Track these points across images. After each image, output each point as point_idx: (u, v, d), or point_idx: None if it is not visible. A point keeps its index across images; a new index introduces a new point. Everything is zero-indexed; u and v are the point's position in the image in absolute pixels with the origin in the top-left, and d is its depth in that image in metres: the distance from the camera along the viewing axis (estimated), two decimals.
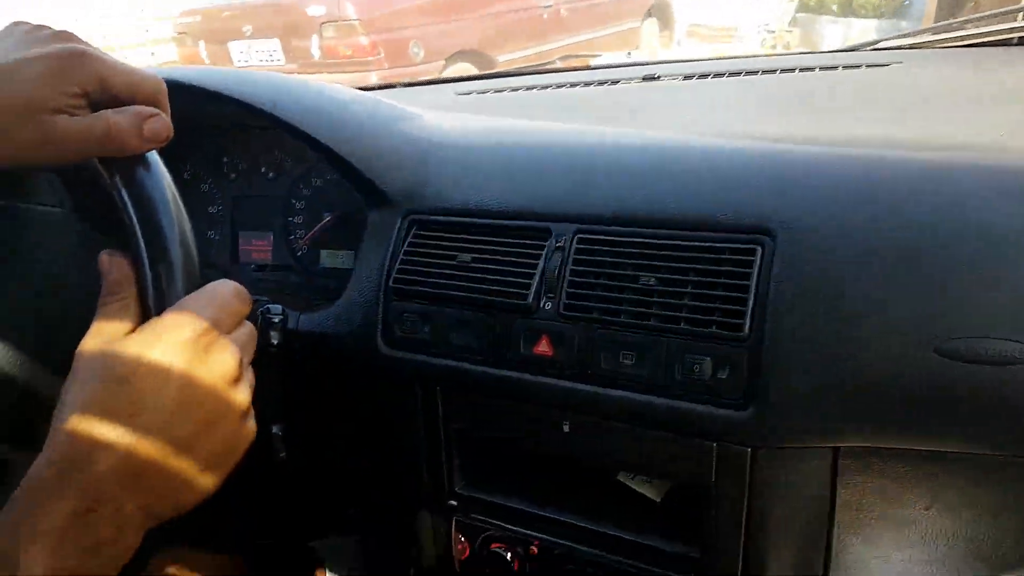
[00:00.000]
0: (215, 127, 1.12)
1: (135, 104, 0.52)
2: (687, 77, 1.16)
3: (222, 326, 0.52)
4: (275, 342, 0.68)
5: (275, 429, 0.83)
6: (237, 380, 0.52)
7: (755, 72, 1.11)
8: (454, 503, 0.85)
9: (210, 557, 1.10)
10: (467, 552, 0.84)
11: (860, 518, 0.70)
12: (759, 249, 0.65)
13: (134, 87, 0.52)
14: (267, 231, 1.10)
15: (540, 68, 1.38)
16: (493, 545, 0.82)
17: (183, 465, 0.49)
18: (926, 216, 0.62)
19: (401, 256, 0.82)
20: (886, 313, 0.60)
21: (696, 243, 0.68)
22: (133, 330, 0.51)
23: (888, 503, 0.68)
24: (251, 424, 0.54)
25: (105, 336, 0.50)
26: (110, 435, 0.47)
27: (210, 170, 1.14)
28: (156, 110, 0.53)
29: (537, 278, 0.74)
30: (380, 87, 1.45)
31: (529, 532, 0.80)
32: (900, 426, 0.62)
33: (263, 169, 1.10)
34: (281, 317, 0.69)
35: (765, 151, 0.73)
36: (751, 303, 0.64)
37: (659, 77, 1.19)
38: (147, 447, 0.47)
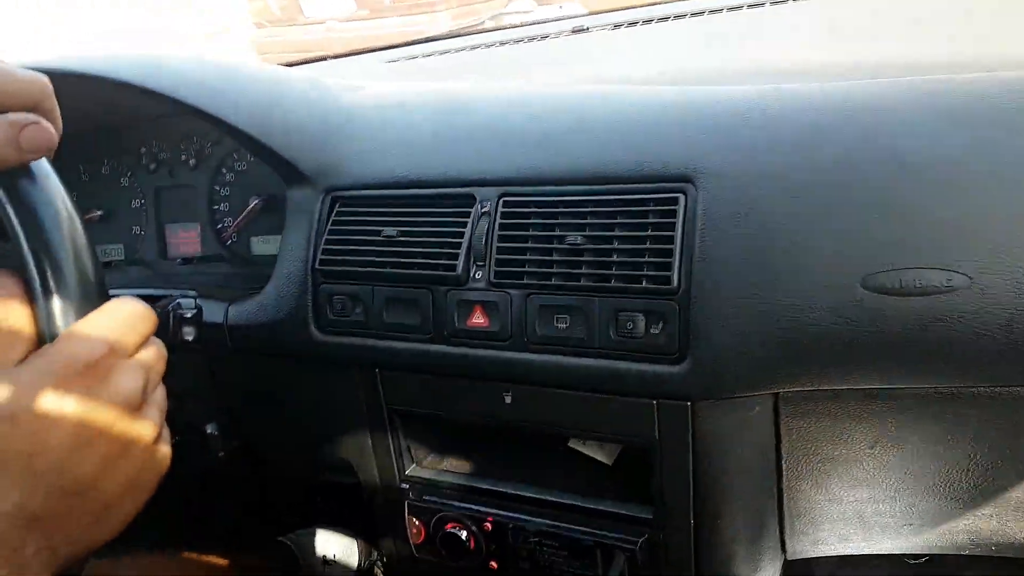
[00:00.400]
0: (131, 118, 1.07)
1: (11, 112, 0.47)
2: (616, 26, 1.13)
3: (122, 349, 0.47)
4: (189, 338, 0.64)
5: (209, 429, 0.80)
6: (140, 407, 0.48)
7: (683, 16, 1.08)
8: (404, 486, 0.83)
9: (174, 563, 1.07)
10: (423, 535, 0.82)
11: (807, 462, 0.69)
12: (682, 198, 0.63)
13: (8, 94, 0.47)
14: (194, 222, 1.06)
15: (471, 29, 1.33)
16: (448, 526, 0.80)
17: (87, 505, 0.45)
18: (844, 150, 0.60)
19: (325, 235, 0.79)
20: (811, 252, 0.58)
21: (620, 196, 0.65)
22: (24, 359, 0.46)
23: (834, 444, 0.67)
24: (163, 451, 0.50)
25: None
26: (3, 480, 0.42)
27: (130, 163, 1.09)
28: (34, 117, 0.46)
29: (465, 247, 0.71)
30: (307, 61, 1.39)
31: (482, 508, 0.78)
32: (835, 367, 0.61)
33: (183, 157, 1.06)
34: (194, 311, 0.65)
35: (682, 97, 0.71)
36: (678, 254, 0.62)
37: (588, 29, 1.15)
38: (45, 489, 0.43)
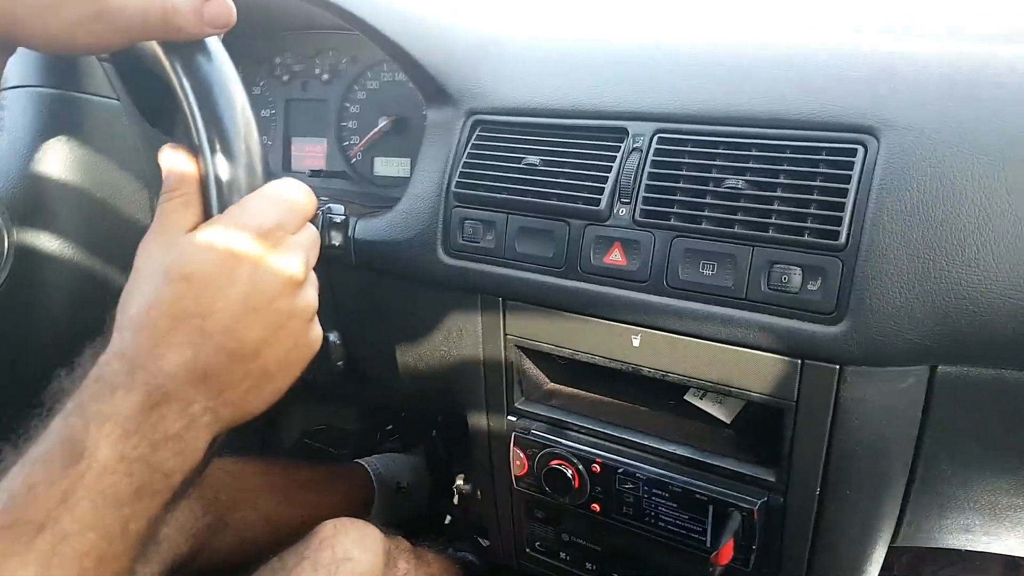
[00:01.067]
0: (269, 28, 1.08)
1: None
2: None
3: (287, 226, 0.49)
4: (336, 243, 0.65)
5: (332, 337, 0.81)
6: (302, 283, 0.49)
7: None
8: (513, 418, 0.83)
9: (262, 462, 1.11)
10: (525, 468, 0.82)
11: (952, 443, 0.65)
12: (861, 150, 0.59)
13: None
14: (321, 137, 1.07)
15: None
16: (553, 462, 0.79)
17: (249, 368, 0.47)
18: None
19: (464, 159, 0.78)
20: (999, 224, 0.54)
21: (790, 143, 0.62)
22: (196, 227, 0.48)
23: (985, 427, 0.63)
24: (317, 330, 0.52)
25: (167, 233, 0.47)
26: (177, 334, 0.45)
27: (263, 72, 1.10)
28: None
29: (611, 182, 0.69)
30: None
31: (591, 450, 0.77)
32: (1005, 349, 0.57)
33: (317, 71, 1.06)
34: (343, 217, 0.66)
35: (868, 47, 0.66)
36: (849, 209, 0.58)
37: None
38: (214, 349, 0.45)
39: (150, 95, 0.88)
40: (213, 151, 0.48)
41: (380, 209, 0.85)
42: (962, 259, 0.55)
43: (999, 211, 0.55)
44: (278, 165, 1.10)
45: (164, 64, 0.49)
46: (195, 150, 0.49)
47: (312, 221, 0.64)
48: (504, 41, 0.82)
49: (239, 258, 0.46)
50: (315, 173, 1.02)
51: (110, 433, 0.42)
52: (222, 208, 0.48)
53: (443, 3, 0.89)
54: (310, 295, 0.51)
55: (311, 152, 1.08)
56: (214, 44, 0.50)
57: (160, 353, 0.44)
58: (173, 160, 0.49)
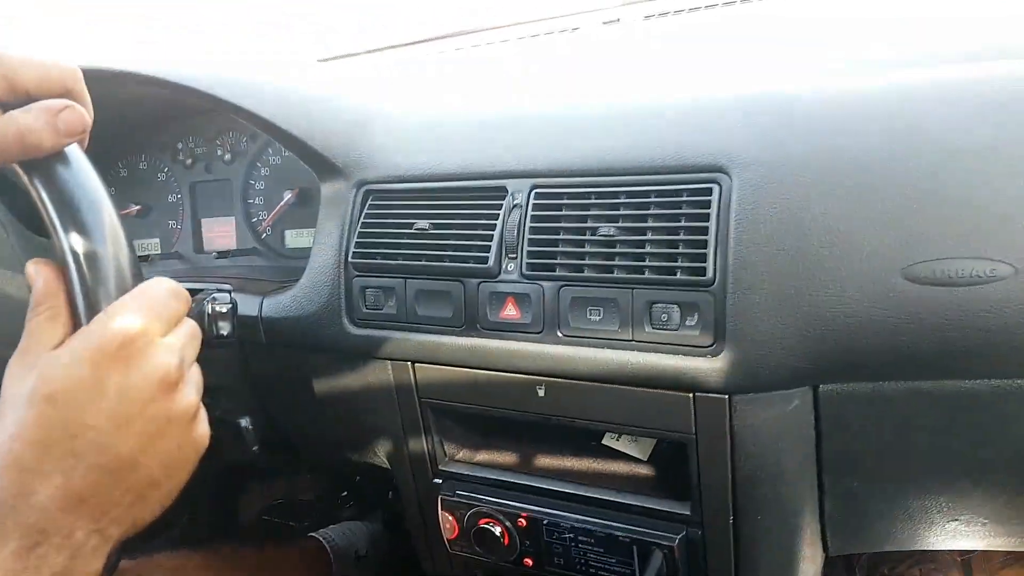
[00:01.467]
0: (167, 115, 1.08)
1: (48, 99, 0.48)
2: (647, 17, 1.11)
3: (155, 329, 0.48)
4: (224, 332, 0.65)
5: (243, 423, 0.80)
6: (176, 384, 0.48)
7: (714, 5, 1.06)
8: (438, 481, 0.83)
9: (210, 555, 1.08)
10: (456, 531, 0.82)
11: (849, 456, 0.67)
12: (716, 187, 0.61)
13: (44, 81, 0.48)
14: (229, 216, 1.07)
15: (495, 25, 1.32)
16: (481, 521, 0.79)
17: (130, 482, 0.46)
18: (883, 140, 0.58)
19: (359, 228, 0.79)
20: (849, 243, 0.56)
21: (653, 187, 0.64)
22: (62, 343, 0.47)
23: (876, 437, 0.65)
24: (201, 428, 0.51)
25: (31, 352, 0.46)
26: (45, 462, 0.43)
27: (167, 158, 1.11)
28: (67, 102, 0.48)
29: (497, 239, 0.71)
30: (332, 59, 1.40)
31: (516, 504, 0.78)
32: (874, 360, 0.59)
33: (219, 152, 1.07)
34: (229, 306, 0.66)
35: (715, 89, 0.69)
36: (713, 245, 0.60)
37: (619, 20, 1.13)
38: (87, 470, 0.44)
39: (25, 202, 0.88)
40: (77, 260, 0.48)
41: (288, 283, 0.86)
42: (819, 282, 0.57)
43: (843, 234, 0.57)
44: (189, 247, 1.09)
45: (24, 179, 0.49)
46: (61, 261, 0.49)
47: (197, 308, 0.64)
48: (386, 111, 0.84)
49: (106, 370, 0.45)
50: (222, 254, 1.02)
51: None
52: (88, 318, 0.48)
53: (327, 78, 0.91)
54: (188, 395, 0.49)
55: (221, 232, 1.08)
56: (74, 152, 0.50)
57: (30, 488, 0.42)
58: (38, 273, 0.49)
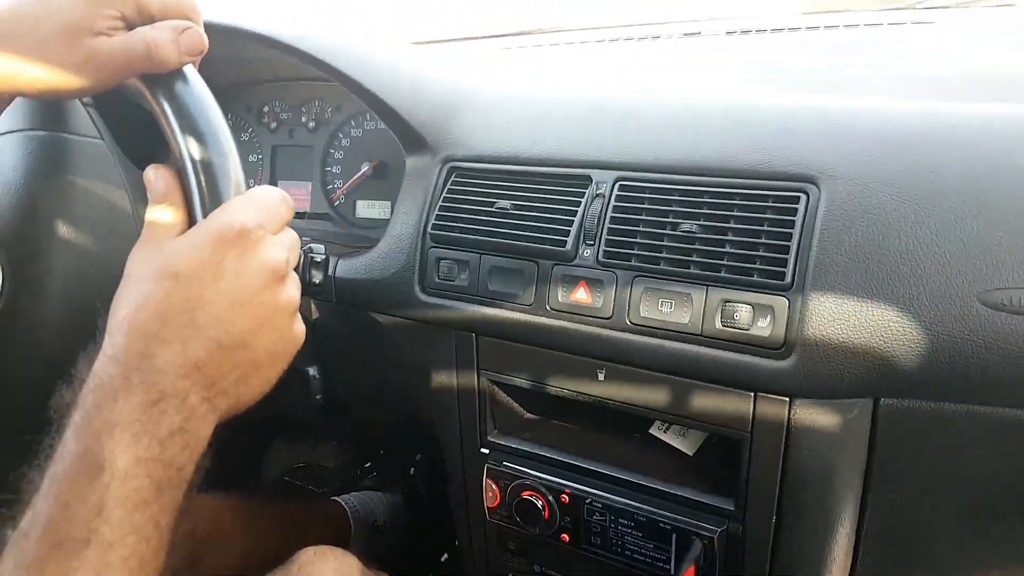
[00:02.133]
0: (258, 78, 1.13)
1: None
2: (729, 33, 1.14)
3: (268, 226, 0.52)
4: (317, 281, 0.69)
5: (311, 371, 0.84)
6: (284, 278, 0.53)
7: (797, 29, 1.09)
8: (486, 451, 0.86)
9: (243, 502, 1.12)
10: (498, 500, 0.85)
11: (898, 475, 0.69)
12: (803, 197, 0.64)
13: (166, 5, 0.53)
14: (306, 180, 1.11)
15: (583, 26, 1.36)
16: (524, 493, 0.82)
17: (239, 359, 0.50)
18: (971, 165, 0.60)
19: (440, 203, 0.82)
20: (929, 262, 0.59)
21: (739, 190, 0.67)
22: (182, 232, 0.51)
23: (929, 461, 0.67)
24: (299, 325, 0.55)
25: (155, 238, 0.51)
26: (166, 330, 0.47)
27: (251, 120, 1.15)
28: (189, 23, 0.53)
29: (576, 225, 0.74)
30: (429, 42, 1.44)
31: (561, 481, 0.81)
32: (940, 381, 0.61)
33: (303, 119, 1.11)
34: (324, 257, 0.70)
35: (808, 104, 0.72)
36: (794, 251, 0.63)
37: (700, 33, 1.16)
38: (204, 341, 0.48)
39: (131, 134, 0.93)
40: (195, 165, 0.52)
41: (361, 249, 0.89)
42: (895, 298, 0.60)
43: (927, 254, 0.59)
44: None
45: (146, 95, 0.53)
46: (178, 167, 0.52)
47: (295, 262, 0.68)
48: (477, 94, 0.88)
49: (224, 254, 0.49)
50: (299, 215, 1.06)
51: (121, 439, 0.45)
52: (205, 213, 0.51)
53: (422, 58, 0.95)
54: (292, 291, 0.53)
55: (296, 195, 1.12)
56: (192, 72, 0.54)
57: (152, 352, 0.47)
58: (158, 176, 0.53)
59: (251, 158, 1.15)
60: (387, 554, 1.28)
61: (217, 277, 0.49)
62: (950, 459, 0.66)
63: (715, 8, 1.25)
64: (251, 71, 1.09)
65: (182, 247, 0.49)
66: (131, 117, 0.90)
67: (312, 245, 0.69)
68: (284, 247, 0.53)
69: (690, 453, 0.80)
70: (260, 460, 1.59)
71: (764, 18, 1.21)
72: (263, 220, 0.51)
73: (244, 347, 0.50)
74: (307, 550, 0.82)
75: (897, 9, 1.19)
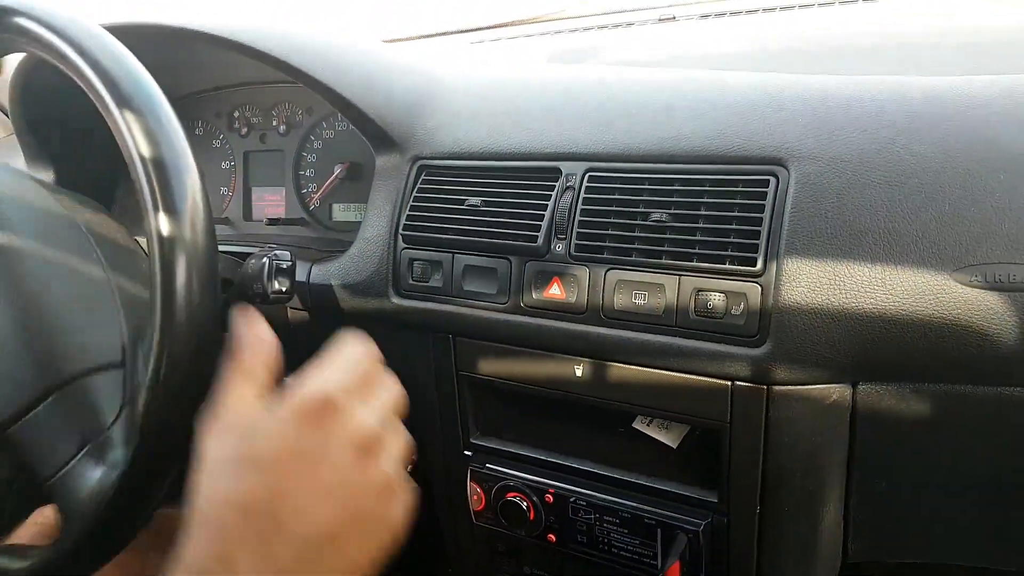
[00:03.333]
0: (226, 83, 1.11)
1: None
2: (703, 16, 1.12)
3: (354, 392, 0.47)
4: (283, 289, 0.67)
5: (286, 380, 0.83)
6: (372, 450, 0.46)
7: (772, 9, 1.07)
8: (468, 453, 0.85)
9: None
10: (483, 503, 0.84)
11: (882, 459, 0.68)
12: (772, 180, 0.62)
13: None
14: (279, 185, 1.10)
15: (555, 16, 1.34)
16: (508, 495, 0.81)
17: (329, 558, 0.44)
18: (943, 141, 0.59)
19: (411, 202, 0.81)
20: (902, 241, 0.57)
21: (708, 176, 0.65)
22: (262, 400, 0.47)
23: (913, 443, 0.66)
24: (397, 506, 0.48)
25: (235, 412, 0.46)
26: (248, 530, 0.42)
27: (222, 126, 1.14)
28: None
29: (547, 219, 0.72)
30: (399, 40, 1.42)
31: (544, 480, 0.79)
32: (919, 361, 0.60)
33: (274, 123, 1.09)
34: (289, 263, 0.68)
35: (776, 82, 0.70)
36: (765, 236, 0.61)
37: (675, 18, 1.14)
38: (288, 540, 0.42)
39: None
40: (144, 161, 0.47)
41: (335, 254, 0.88)
42: (869, 279, 0.58)
43: (900, 232, 0.58)
44: (239, 214, 1.12)
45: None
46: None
47: (258, 270, 0.67)
48: (444, 89, 0.86)
49: (306, 432, 0.44)
50: (272, 222, 1.05)
51: None
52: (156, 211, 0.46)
53: (389, 55, 0.93)
54: (387, 465, 0.47)
55: (270, 201, 1.11)
56: None
57: (229, 555, 0.41)
58: (248, 322, 0.50)
59: (223, 165, 1.13)
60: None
61: (299, 459, 0.43)
62: (933, 442, 0.65)
63: None
64: (217, 76, 1.08)
65: (264, 428, 0.45)
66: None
67: (278, 252, 0.68)
68: (375, 413, 0.48)
69: (673, 446, 0.79)
70: None
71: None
72: (349, 384, 0.47)
73: (333, 543, 0.43)
74: None
75: None
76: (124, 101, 0.47)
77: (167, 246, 0.46)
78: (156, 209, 0.46)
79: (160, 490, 0.51)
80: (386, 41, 1.30)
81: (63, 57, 0.49)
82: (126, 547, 0.51)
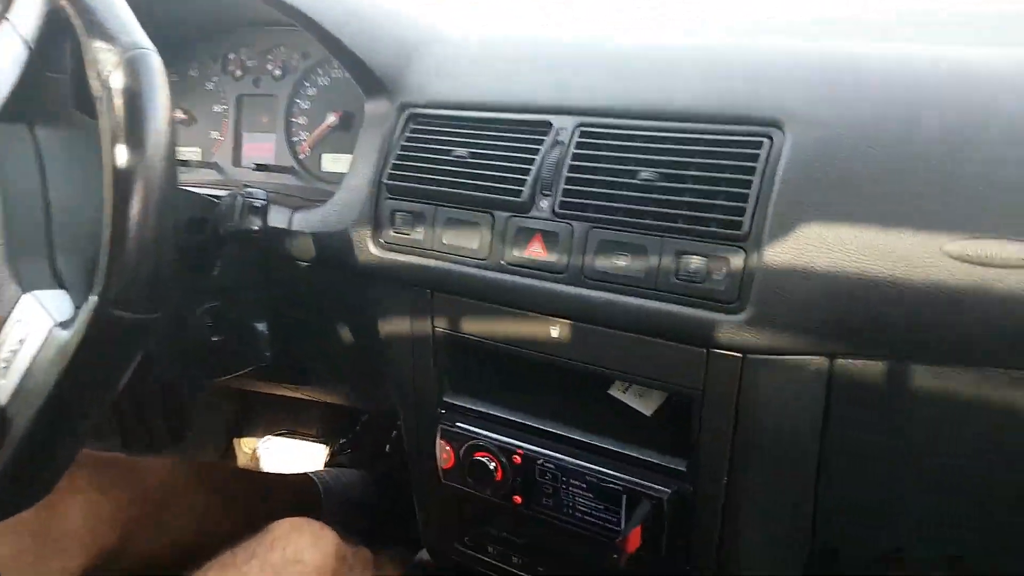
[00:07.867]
0: (223, 25, 1.09)
1: None
2: None
3: None
4: (255, 227, 0.66)
5: (260, 327, 0.81)
6: None
7: None
8: (441, 411, 0.83)
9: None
10: (452, 460, 0.82)
11: (856, 440, 0.66)
12: (766, 142, 0.61)
13: None
14: (271, 133, 1.08)
15: None
16: (477, 454, 0.80)
17: None
18: (941, 111, 0.57)
19: (397, 151, 0.79)
20: (895, 212, 0.56)
21: (702, 135, 0.63)
22: None
23: (888, 424, 0.64)
24: None
25: None
26: None
27: (216, 68, 1.12)
28: None
29: (533, 174, 0.71)
30: None
31: (513, 442, 0.78)
32: (902, 334, 0.58)
33: (269, 67, 1.07)
34: (263, 202, 0.67)
35: (779, 47, 0.68)
36: (753, 200, 0.60)
37: None
38: None
39: None
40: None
41: (319, 203, 0.86)
42: (856, 250, 0.57)
43: (891, 205, 0.56)
44: (228, 159, 1.10)
45: None
46: None
47: (231, 206, 0.65)
48: (438, 37, 0.84)
49: None
50: (261, 167, 1.03)
51: None
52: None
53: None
54: None
55: (260, 147, 1.09)
56: None
57: None
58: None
59: (216, 108, 1.11)
60: (361, 530, 1.26)
61: None
62: (904, 422, 0.64)
63: None
64: (214, 16, 1.06)
65: None
66: None
67: (252, 189, 0.66)
68: None
69: (648, 414, 0.77)
70: (239, 430, 1.58)
71: None
72: None
73: None
74: (283, 522, 0.80)
75: None
76: None
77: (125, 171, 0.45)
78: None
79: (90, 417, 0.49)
80: None
81: None
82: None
